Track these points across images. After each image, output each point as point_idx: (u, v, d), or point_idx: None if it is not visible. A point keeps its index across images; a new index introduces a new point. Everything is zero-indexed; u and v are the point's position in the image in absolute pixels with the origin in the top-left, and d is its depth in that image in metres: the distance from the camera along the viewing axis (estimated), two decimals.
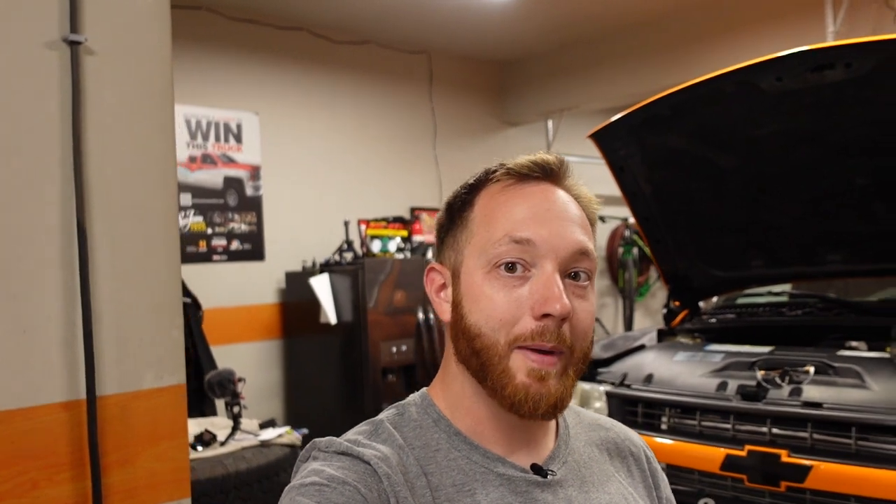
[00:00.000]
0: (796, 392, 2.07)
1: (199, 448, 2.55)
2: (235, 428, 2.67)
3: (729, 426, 2.15)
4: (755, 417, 2.10)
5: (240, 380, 2.69)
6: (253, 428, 2.81)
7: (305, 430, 4.41)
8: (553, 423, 0.92)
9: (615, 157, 2.95)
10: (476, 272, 0.83)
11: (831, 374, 2.11)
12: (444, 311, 0.88)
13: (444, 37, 5.56)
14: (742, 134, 2.67)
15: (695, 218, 3.05)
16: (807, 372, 2.11)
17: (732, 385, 2.20)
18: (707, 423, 2.22)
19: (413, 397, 0.91)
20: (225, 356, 4.53)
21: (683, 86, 2.58)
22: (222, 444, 2.61)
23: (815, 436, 1.98)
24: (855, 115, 2.43)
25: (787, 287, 3.49)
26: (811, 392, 2.05)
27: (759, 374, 2.16)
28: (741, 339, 2.98)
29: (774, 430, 2.06)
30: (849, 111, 2.42)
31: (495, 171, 0.87)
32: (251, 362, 4.73)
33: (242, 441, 2.65)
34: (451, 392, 0.88)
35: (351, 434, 0.84)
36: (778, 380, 2.12)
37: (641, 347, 2.78)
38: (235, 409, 2.65)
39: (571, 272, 0.83)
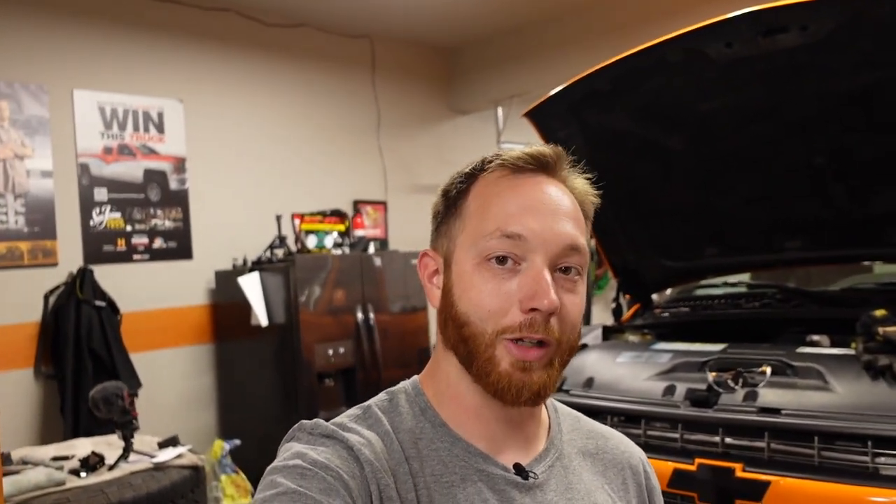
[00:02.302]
0: (751, 396, 1.82)
1: (83, 474, 2.23)
2: (127, 450, 2.34)
3: (677, 436, 1.89)
4: (706, 426, 1.84)
5: (132, 395, 2.36)
6: (151, 448, 2.49)
7: (237, 441, 4.11)
8: (544, 424, 0.93)
9: (554, 139, 2.69)
10: (467, 262, 0.84)
11: (790, 375, 1.86)
12: (435, 297, 0.89)
13: (387, 20, 5.26)
14: (690, 110, 2.42)
15: (643, 204, 2.81)
16: (763, 373, 1.86)
17: (681, 389, 1.95)
18: (653, 433, 1.96)
19: (405, 384, 0.91)
20: (150, 364, 4.20)
21: (623, 55, 2.32)
22: (111, 468, 2.29)
23: (774, 446, 1.73)
24: (811, 86, 2.19)
25: (745, 277, 3.28)
26: (768, 396, 1.80)
27: (710, 376, 1.91)
28: (695, 334, 2.74)
29: (728, 441, 1.80)
30: (804, 81, 2.18)
31: (491, 162, 0.88)
32: (180, 369, 4.40)
33: (134, 464, 2.33)
34: (438, 380, 0.89)
35: (340, 417, 0.85)
36: (731, 382, 1.87)
37: (583, 347, 2.52)
38: (126, 430, 2.32)
39: (562, 266, 0.83)
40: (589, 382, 2.18)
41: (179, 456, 2.39)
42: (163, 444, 2.48)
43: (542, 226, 0.82)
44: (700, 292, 3.32)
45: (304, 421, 0.82)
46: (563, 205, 0.85)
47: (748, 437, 1.77)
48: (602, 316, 7.44)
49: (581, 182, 0.91)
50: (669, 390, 1.97)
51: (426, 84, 5.96)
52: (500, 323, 0.80)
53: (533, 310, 0.79)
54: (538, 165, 0.87)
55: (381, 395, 0.90)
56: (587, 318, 7.04)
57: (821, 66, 2.11)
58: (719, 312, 2.76)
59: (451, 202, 0.89)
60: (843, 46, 2.03)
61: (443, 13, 5.18)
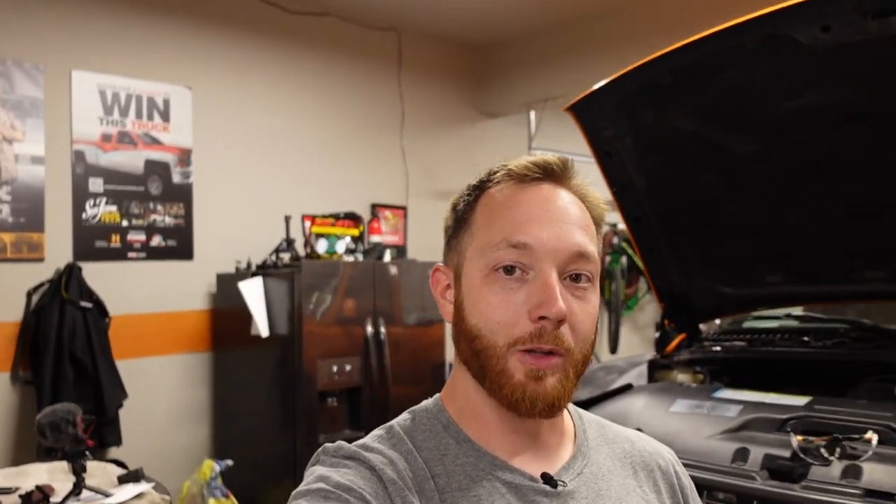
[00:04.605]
0: (853, 472, 1.41)
1: None
2: (78, 486, 1.97)
3: None
4: None
5: (87, 419, 1.99)
6: (110, 482, 2.12)
7: (230, 462, 3.74)
8: (569, 432, 0.92)
9: (600, 139, 2.31)
10: (476, 274, 0.84)
11: None
12: (448, 313, 0.89)
13: (417, 13, 4.91)
14: (768, 109, 2.03)
15: (699, 220, 2.42)
16: (867, 441, 1.46)
17: (756, 454, 1.54)
18: None
19: (426, 402, 0.92)
20: (139, 372, 3.86)
21: (691, 40, 1.93)
22: None
23: None
24: None
25: (797, 310, 2.87)
26: (875, 473, 1.39)
27: (795, 440, 1.51)
28: (753, 375, 2.34)
29: None
30: None
31: (496, 173, 0.88)
32: (173, 379, 4.04)
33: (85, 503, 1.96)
34: (458, 396, 0.89)
35: (363, 439, 0.86)
36: (824, 451, 1.46)
37: (628, 387, 2.12)
38: (77, 462, 1.95)
39: (572, 274, 0.83)
40: None
41: (140, 496, 2.01)
42: (123, 479, 2.11)
43: (549, 234, 0.82)
44: (753, 324, 2.92)
45: (327, 444, 0.83)
46: (570, 212, 0.85)
47: None
48: (630, 339, 7.02)
49: (591, 190, 0.90)
50: (741, 455, 1.56)
51: (455, 83, 5.59)
52: (510, 334, 0.80)
53: (542, 318, 0.79)
54: (544, 174, 0.86)
55: (404, 415, 0.90)
56: (614, 340, 6.64)
57: None
58: (785, 351, 2.35)
59: (460, 216, 0.90)
60: None
61: (475, 8, 4.82)
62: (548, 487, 0.83)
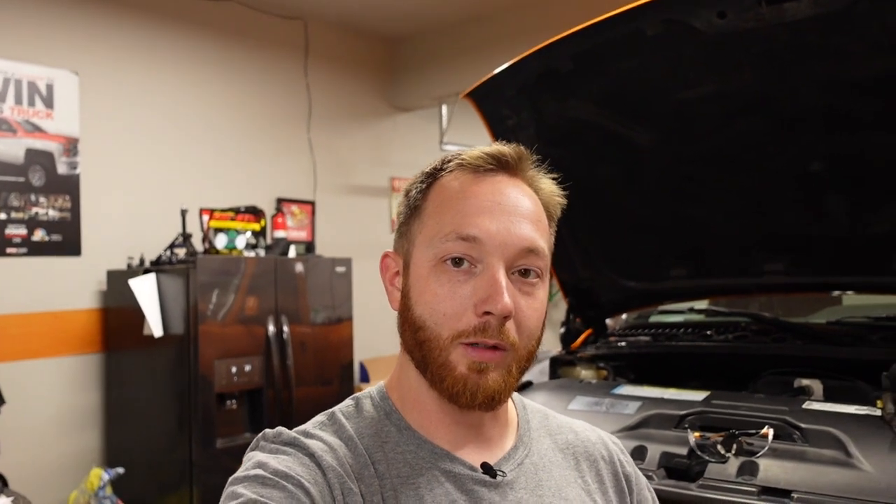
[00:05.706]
0: (749, 469, 1.37)
1: None
2: None
3: None
4: None
5: None
6: None
7: (120, 470, 3.52)
8: (512, 423, 0.92)
9: (502, 128, 2.22)
10: (424, 264, 0.84)
11: (799, 442, 1.42)
12: (395, 300, 0.89)
13: (324, 2, 4.75)
14: (667, 99, 1.98)
15: (602, 212, 2.37)
16: (763, 437, 1.42)
17: (653, 452, 1.49)
18: None
19: (370, 389, 0.92)
20: (22, 376, 3.59)
21: (588, 24, 1.86)
22: None
23: None
24: (817, 73, 1.78)
25: (702, 303, 2.87)
26: (772, 470, 1.35)
27: (692, 436, 1.46)
28: (657, 369, 2.32)
29: None
30: (810, 66, 1.76)
31: (450, 161, 0.88)
32: (59, 383, 3.78)
33: None
34: (402, 384, 0.88)
35: (304, 425, 0.85)
36: (721, 448, 1.41)
37: (528, 385, 2.06)
38: None
39: (520, 269, 0.82)
40: None
41: None
42: None
43: (499, 227, 0.81)
44: (658, 318, 2.90)
45: (266, 430, 0.83)
46: (521, 206, 0.83)
47: None
48: (546, 335, 7.01)
49: (546, 182, 0.89)
50: (638, 453, 1.50)
51: (365, 75, 5.46)
52: (455, 327, 0.79)
53: (487, 313, 0.78)
54: (498, 165, 0.85)
55: (347, 401, 0.90)
56: None
57: (834, 46, 1.70)
58: (687, 344, 2.33)
59: (412, 203, 0.88)
60: (865, 22, 1.62)
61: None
62: (487, 477, 0.83)
